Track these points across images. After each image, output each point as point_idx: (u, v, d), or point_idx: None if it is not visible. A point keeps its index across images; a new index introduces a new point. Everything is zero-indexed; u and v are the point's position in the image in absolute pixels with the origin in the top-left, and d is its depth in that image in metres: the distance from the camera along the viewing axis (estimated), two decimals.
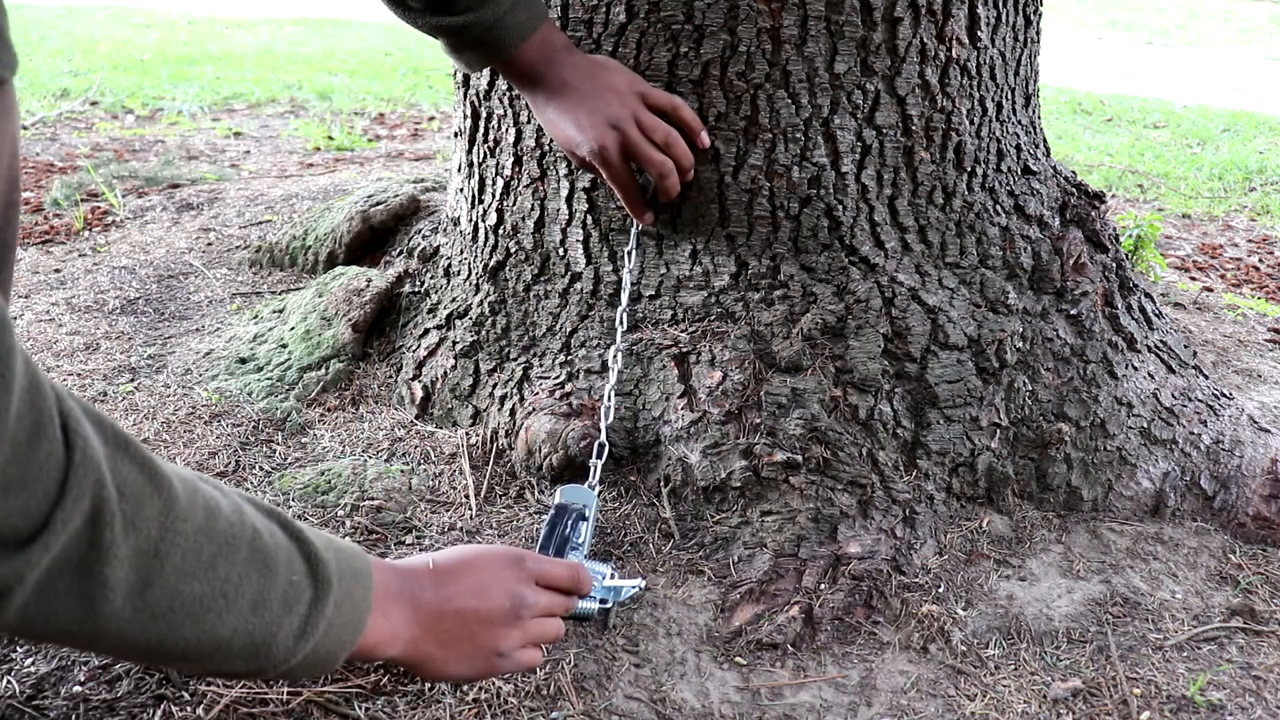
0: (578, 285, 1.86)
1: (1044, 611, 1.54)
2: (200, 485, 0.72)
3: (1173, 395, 1.88)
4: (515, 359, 1.89)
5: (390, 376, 2.07)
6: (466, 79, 1.99)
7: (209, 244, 2.93)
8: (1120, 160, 5.03)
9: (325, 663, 0.78)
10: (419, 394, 1.98)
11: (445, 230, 2.19)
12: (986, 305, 1.81)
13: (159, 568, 0.65)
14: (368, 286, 2.19)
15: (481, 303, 1.96)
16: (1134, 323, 1.93)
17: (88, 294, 2.56)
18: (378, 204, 2.51)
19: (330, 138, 4.66)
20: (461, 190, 2.08)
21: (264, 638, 0.72)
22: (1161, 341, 1.96)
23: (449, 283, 2.08)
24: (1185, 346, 2.04)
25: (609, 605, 1.16)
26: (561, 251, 1.87)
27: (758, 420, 1.66)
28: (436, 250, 2.19)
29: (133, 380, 2.12)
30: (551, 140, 1.85)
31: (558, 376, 1.82)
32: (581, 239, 1.85)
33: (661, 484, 1.69)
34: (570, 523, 1.16)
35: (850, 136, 1.73)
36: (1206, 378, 2.00)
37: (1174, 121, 6.18)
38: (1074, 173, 2.06)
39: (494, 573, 0.98)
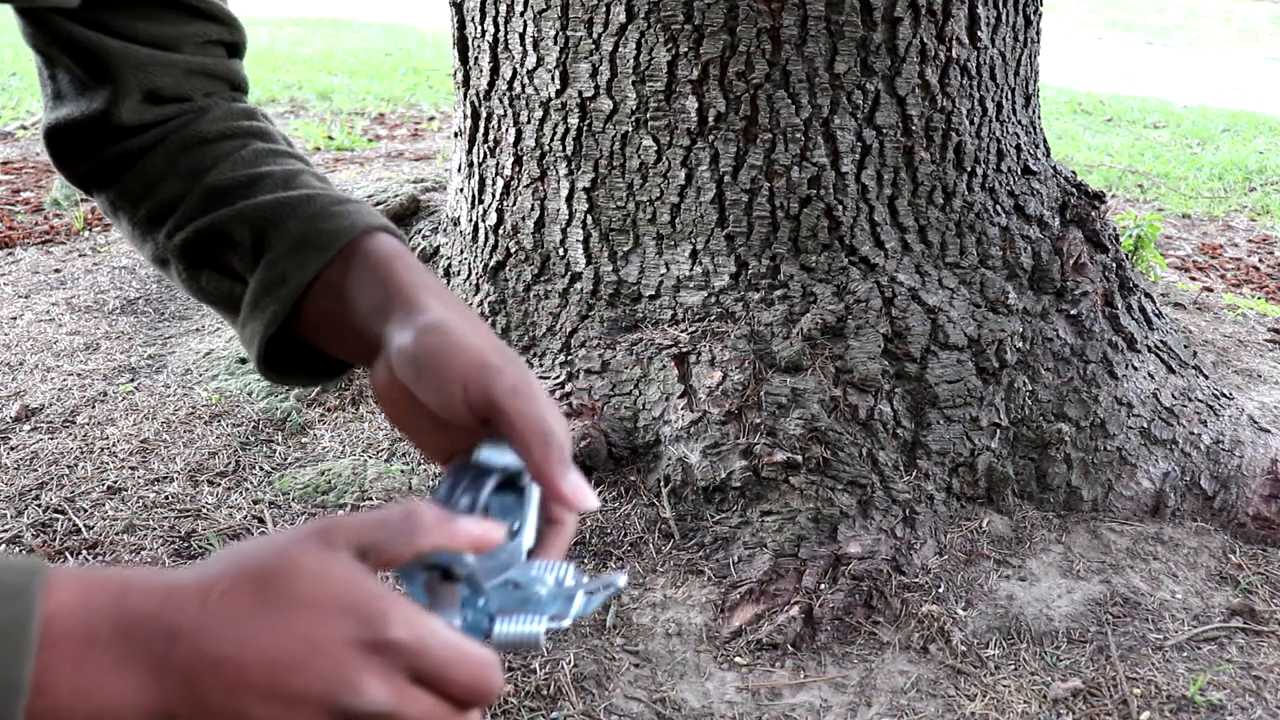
0: (578, 285, 1.86)
1: (1044, 611, 1.54)
2: None
3: (1173, 395, 1.88)
4: None
5: None
6: (466, 79, 1.99)
7: None
8: (1120, 160, 5.03)
9: None
10: None
11: (445, 230, 2.19)
12: (986, 305, 1.81)
13: None
14: None
15: (481, 303, 1.96)
16: (1134, 323, 1.93)
17: (88, 294, 2.56)
18: (378, 204, 2.50)
19: (330, 138, 4.66)
20: (461, 190, 2.08)
21: None
22: (1161, 341, 1.96)
23: (449, 283, 2.08)
24: (1185, 346, 2.04)
25: (564, 623, 0.62)
26: (561, 251, 1.87)
27: (758, 420, 1.66)
28: (437, 250, 2.19)
29: (133, 380, 2.12)
30: (552, 140, 1.85)
31: (558, 376, 1.82)
32: (581, 239, 1.85)
33: (661, 484, 1.69)
34: (491, 491, 0.59)
35: (850, 136, 1.73)
36: (1206, 378, 2.00)
37: (1174, 121, 6.18)
38: (1074, 173, 2.06)
39: (325, 645, 0.48)
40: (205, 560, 0.51)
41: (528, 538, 0.60)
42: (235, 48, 0.81)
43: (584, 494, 0.60)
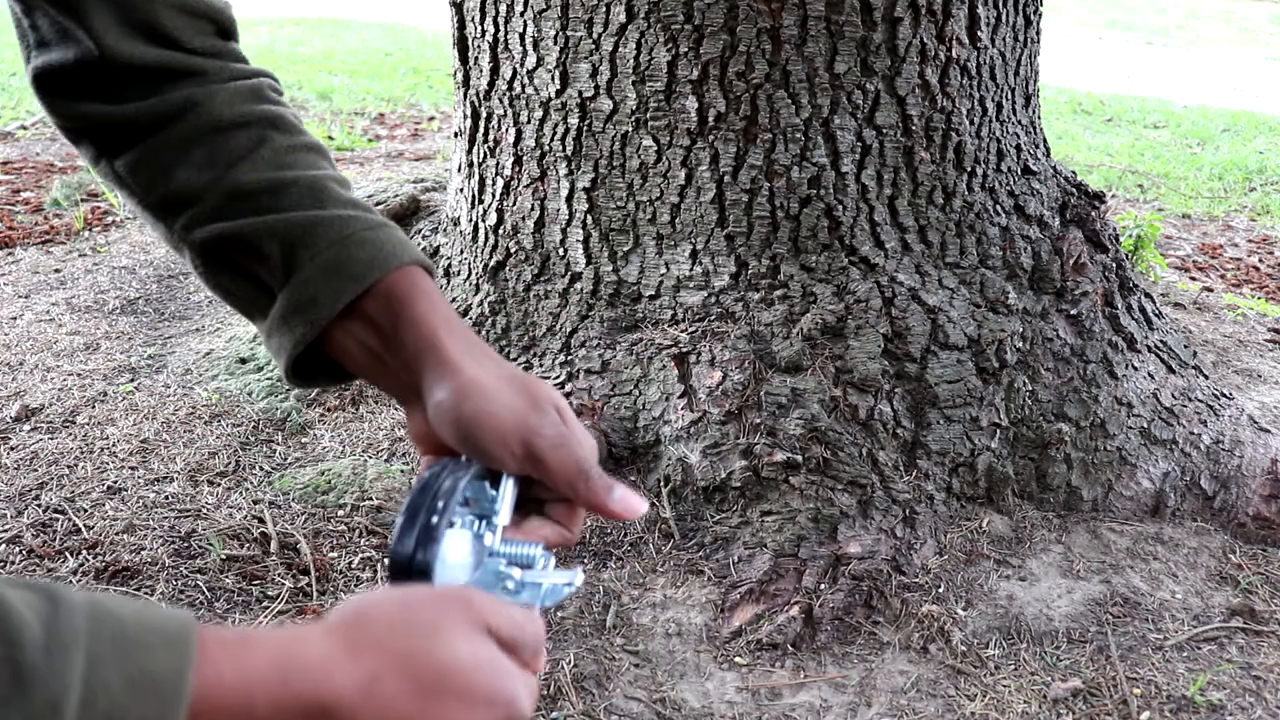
0: (578, 285, 1.86)
1: (1044, 611, 1.54)
2: None
3: (1173, 395, 1.88)
4: (515, 359, 1.89)
5: None
6: (466, 79, 1.99)
7: None
8: (1120, 160, 5.03)
9: None
10: None
11: (445, 230, 2.19)
12: (986, 305, 1.81)
13: None
14: None
15: (481, 303, 1.96)
16: (1134, 323, 1.93)
17: (88, 294, 2.56)
18: (378, 204, 2.50)
19: (330, 138, 4.65)
20: (461, 190, 2.08)
21: None
22: (1161, 341, 1.96)
23: (449, 283, 2.08)
24: (1185, 346, 2.04)
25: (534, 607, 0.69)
26: (561, 251, 1.87)
27: (758, 420, 1.66)
28: (436, 250, 2.19)
29: (133, 380, 2.12)
30: (552, 140, 1.85)
31: (558, 376, 1.82)
32: (581, 239, 1.85)
33: (661, 484, 1.69)
34: (471, 478, 0.65)
35: (850, 136, 1.73)
36: (1206, 378, 2.00)
37: (1174, 121, 6.18)
38: (1074, 173, 2.06)
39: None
40: (358, 627, 0.53)
41: (503, 517, 0.65)
42: None
43: (632, 504, 0.66)
